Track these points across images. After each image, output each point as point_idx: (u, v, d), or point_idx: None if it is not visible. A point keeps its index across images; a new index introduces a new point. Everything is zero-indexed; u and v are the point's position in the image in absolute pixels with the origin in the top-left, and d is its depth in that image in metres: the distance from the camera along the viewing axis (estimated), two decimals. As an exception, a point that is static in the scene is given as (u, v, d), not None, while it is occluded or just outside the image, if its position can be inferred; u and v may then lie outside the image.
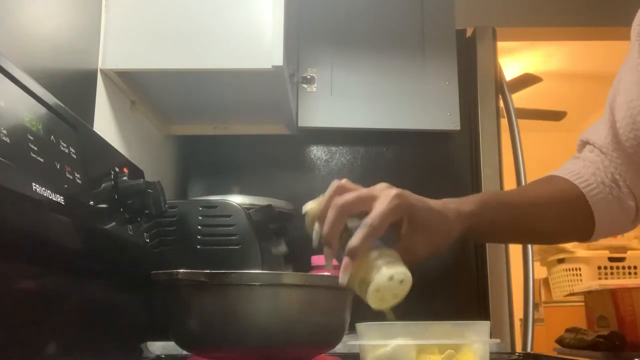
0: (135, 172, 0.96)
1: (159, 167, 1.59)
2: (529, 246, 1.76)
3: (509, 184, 1.75)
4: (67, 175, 0.71)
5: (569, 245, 3.21)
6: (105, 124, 1.20)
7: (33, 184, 0.61)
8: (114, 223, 0.82)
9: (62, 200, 0.67)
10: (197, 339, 0.67)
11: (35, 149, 0.65)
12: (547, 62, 3.91)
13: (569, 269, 3.24)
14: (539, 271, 3.28)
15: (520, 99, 2.88)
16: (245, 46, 1.20)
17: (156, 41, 1.21)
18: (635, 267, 2.88)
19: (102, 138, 0.90)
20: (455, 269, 1.67)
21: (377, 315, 0.63)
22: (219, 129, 1.64)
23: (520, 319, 1.79)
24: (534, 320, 1.75)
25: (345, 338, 0.74)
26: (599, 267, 3.12)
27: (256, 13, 1.22)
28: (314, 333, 0.67)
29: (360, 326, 0.59)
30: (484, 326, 0.56)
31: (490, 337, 0.56)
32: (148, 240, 0.96)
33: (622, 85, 0.84)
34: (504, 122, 1.85)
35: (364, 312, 0.66)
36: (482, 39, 1.81)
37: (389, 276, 0.61)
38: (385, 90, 1.69)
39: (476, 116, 1.76)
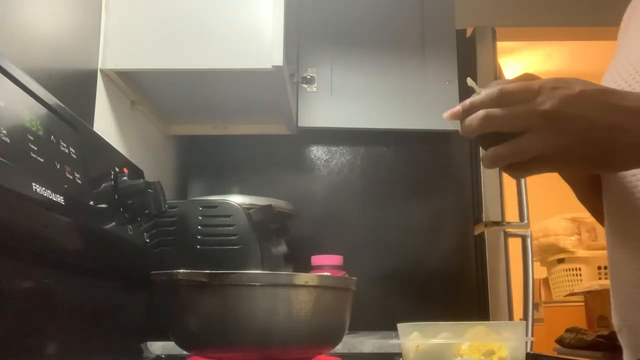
0: (135, 172, 0.96)
1: (159, 167, 1.59)
2: (529, 246, 1.76)
3: (509, 184, 1.76)
4: (67, 175, 0.71)
5: (569, 245, 3.21)
6: (105, 124, 1.20)
7: (33, 184, 0.61)
8: (114, 223, 0.82)
9: (62, 200, 0.67)
10: (197, 339, 0.67)
11: (35, 149, 0.65)
12: (547, 62, 3.91)
13: (569, 269, 3.24)
14: (539, 271, 3.28)
15: (520, 99, 2.86)
16: (245, 46, 1.20)
17: (156, 41, 1.21)
18: (635, 267, 2.87)
19: (102, 138, 0.90)
20: (455, 268, 1.67)
21: (375, 316, 0.63)
22: (219, 129, 1.65)
23: (520, 319, 1.79)
24: (533, 320, 1.75)
25: (363, 337, 0.74)
26: (599, 267, 3.12)
27: (256, 13, 1.22)
28: (314, 333, 0.67)
29: (402, 326, 0.61)
30: (520, 326, 0.62)
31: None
32: (148, 240, 0.96)
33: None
34: (504, 122, 1.84)
35: (364, 313, 0.66)
36: (482, 39, 1.81)
37: None
38: (385, 90, 1.69)
39: (476, 116, 1.76)
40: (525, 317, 1.74)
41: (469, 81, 0.66)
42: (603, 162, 0.60)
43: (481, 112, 0.59)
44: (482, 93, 0.61)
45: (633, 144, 0.58)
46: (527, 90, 0.58)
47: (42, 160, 0.66)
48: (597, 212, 0.87)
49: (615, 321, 0.80)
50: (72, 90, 1.07)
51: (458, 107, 0.62)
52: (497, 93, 0.59)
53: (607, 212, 0.81)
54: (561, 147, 0.58)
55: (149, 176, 0.99)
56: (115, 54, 1.20)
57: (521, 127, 0.58)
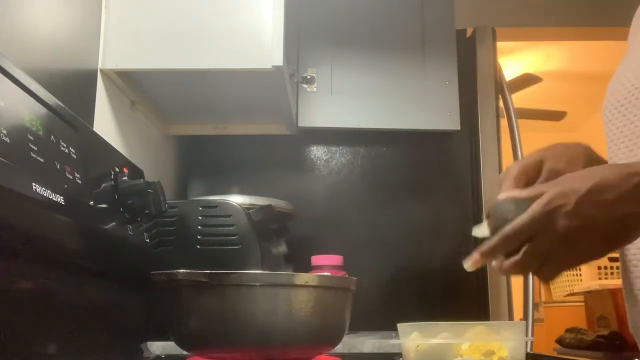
0: (135, 172, 0.96)
1: (159, 167, 1.59)
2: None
3: (509, 184, 1.75)
4: (67, 175, 0.71)
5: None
6: (105, 124, 1.20)
7: (33, 184, 0.61)
8: (114, 223, 0.82)
9: (62, 200, 0.67)
10: (197, 339, 0.67)
11: (35, 149, 0.65)
12: (547, 62, 3.91)
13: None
14: (539, 271, 3.28)
15: (520, 99, 2.88)
16: (245, 46, 1.20)
17: (156, 41, 1.21)
18: (635, 267, 2.87)
19: (102, 138, 0.90)
20: (455, 268, 1.67)
21: (375, 316, 0.64)
22: (219, 129, 1.65)
23: (520, 319, 1.79)
24: (533, 320, 1.75)
25: (366, 338, 0.74)
26: (599, 267, 3.12)
27: (256, 13, 1.22)
28: (314, 333, 0.67)
29: (402, 326, 0.62)
30: (520, 326, 0.63)
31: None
32: (148, 240, 0.96)
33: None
34: (503, 122, 1.85)
35: (364, 313, 0.66)
36: (482, 39, 1.81)
37: None
38: (386, 90, 1.69)
39: (476, 116, 1.76)
40: (525, 317, 1.74)
41: (476, 232, 0.70)
42: (614, 246, 0.66)
43: (509, 263, 0.63)
44: (492, 239, 0.64)
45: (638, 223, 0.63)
46: (529, 226, 0.62)
47: (42, 160, 0.66)
48: None
49: (630, 323, 0.81)
50: (72, 90, 1.07)
51: (477, 256, 0.66)
52: (503, 239, 0.63)
53: None
54: (578, 254, 0.64)
55: (149, 176, 0.99)
56: (115, 54, 1.20)
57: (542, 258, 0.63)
